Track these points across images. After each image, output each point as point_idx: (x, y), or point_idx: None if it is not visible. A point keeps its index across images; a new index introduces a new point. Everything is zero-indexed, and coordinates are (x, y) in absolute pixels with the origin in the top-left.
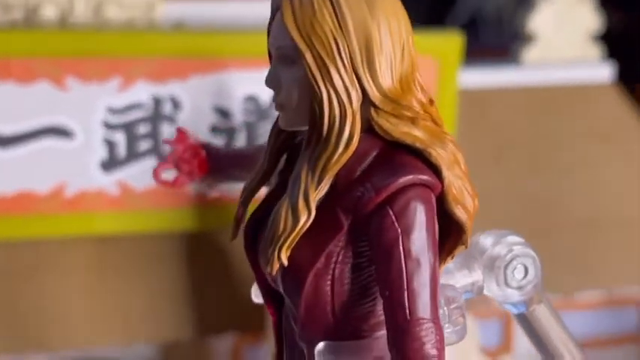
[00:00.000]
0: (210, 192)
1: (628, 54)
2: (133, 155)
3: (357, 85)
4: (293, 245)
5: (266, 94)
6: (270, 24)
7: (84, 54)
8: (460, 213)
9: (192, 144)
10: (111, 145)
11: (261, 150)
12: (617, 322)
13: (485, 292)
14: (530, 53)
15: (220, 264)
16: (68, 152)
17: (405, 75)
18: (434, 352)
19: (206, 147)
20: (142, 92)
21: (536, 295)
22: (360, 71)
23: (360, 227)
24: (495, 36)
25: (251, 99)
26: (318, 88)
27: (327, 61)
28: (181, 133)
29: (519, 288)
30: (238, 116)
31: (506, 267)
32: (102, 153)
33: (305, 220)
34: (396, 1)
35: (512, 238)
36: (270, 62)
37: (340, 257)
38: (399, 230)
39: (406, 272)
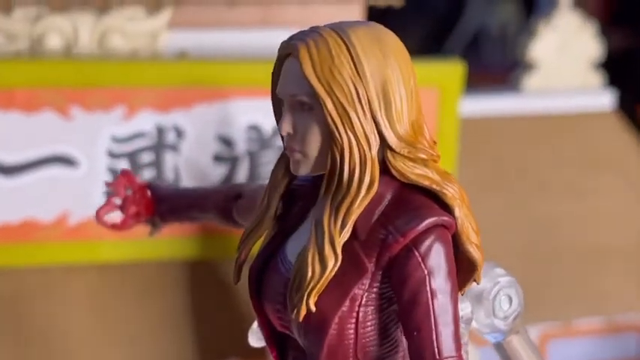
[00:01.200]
0: (155, 232)
1: (629, 78)
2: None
3: (375, 130)
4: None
5: (268, 124)
6: (277, 70)
7: (88, 84)
8: (474, 251)
9: (138, 185)
10: (115, 173)
11: (216, 190)
12: (617, 348)
13: (472, 323)
14: (532, 81)
15: (222, 292)
16: (72, 181)
17: (416, 117)
18: None
19: (152, 187)
20: (146, 121)
21: (515, 325)
22: (378, 116)
23: (384, 269)
24: (499, 54)
25: (254, 128)
26: (339, 134)
27: (348, 108)
28: (125, 175)
29: (505, 318)
30: (241, 145)
31: (494, 299)
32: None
33: (332, 265)
34: (401, 43)
35: (498, 271)
36: (274, 103)
37: (364, 300)
38: (426, 271)
39: (434, 312)
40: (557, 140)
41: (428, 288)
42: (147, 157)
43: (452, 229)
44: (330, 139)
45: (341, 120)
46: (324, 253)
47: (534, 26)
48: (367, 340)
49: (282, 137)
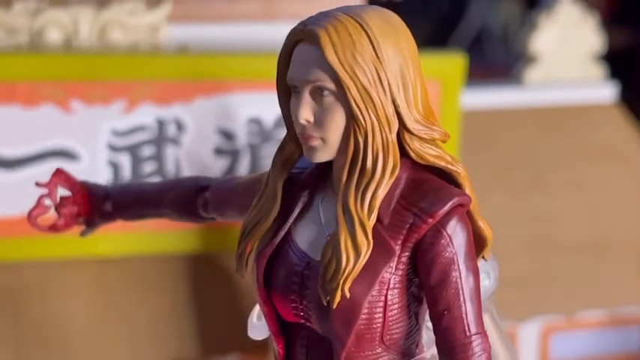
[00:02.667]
0: (88, 233)
1: (631, 76)
2: (137, 177)
3: (395, 112)
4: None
5: (269, 116)
6: (285, 57)
7: (88, 77)
8: (485, 227)
9: (75, 184)
10: (116, 167)
11: (172, 185)
12: (619, 341)
13: None
14: (533, 73)
15: (224, 285)
16: (73, 174)
17: (426, 98)
18: None
19: (88, 186)
20: (147, 115)
21: (488, 305)
22: (398, 99)
23: (411, 251)
24: (501, 52)
25: (254, 121)
26: (363, 118)
27: (371, 91)
28: (59, 175)
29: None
30: (242, 138)
31: None
32: (107, 175)
33: (366, 250)
34: (406, 26)
35: None
36: (281, 91)
37: (391, 283)
38: (454, 251)
39: (463, 291)
40: (559, 132)
41: (457, 267)
42: (148, 151)
43: (467, 208)
44: (352, 124)
45: (364, 104)
46: (356, 239)
47: (536, 19)
48: (393, 323)
49: (288, 125)
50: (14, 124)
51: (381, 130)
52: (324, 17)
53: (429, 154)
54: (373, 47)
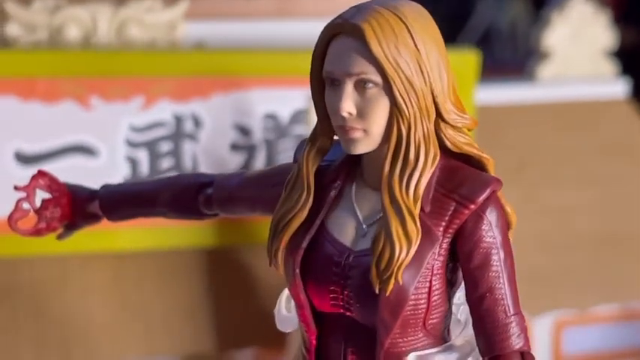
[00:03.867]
0: (66, 236)
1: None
2: (155, 173)
3: (433, 102)
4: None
5: (285, 112)
6: (321, 51)
7: (107, 74)
8: (511, 212)
9: (59, 186)
10: (134, 162)
11: (169, 184)
12: (632, 335)
13: None
14: (546, 70)
15: (240, 279)
16: (92, 170)
17: (454, 87)
18: (528, 341)
19: (71, 189)
20: (164, 111)
21: None
22: (436, 89)
23: (452, 237)
24: (509, 51)
25: (271, 117)
26: (407, 109)
27: (414, 82)
28: (41, 177)
29: None
30: (258, 134)
31: None
32: (125, 171)
33: (417, 238)
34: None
35: None
36: (315, 84)
37: (435, 269)
38: (495, 234)
39: (502, 272)
40: (571, 128)
41: (497, 250)
42: (165, 147)
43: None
44: (395, 115)
45: (408, 95)
46: (407, 227)
47: (548, 16)
48: (434, 308)
49: (320, 117)
50: (34, 120)
51: (422, 120)
52: (364, 10)
53: (461, 142)
54: (413, 39)
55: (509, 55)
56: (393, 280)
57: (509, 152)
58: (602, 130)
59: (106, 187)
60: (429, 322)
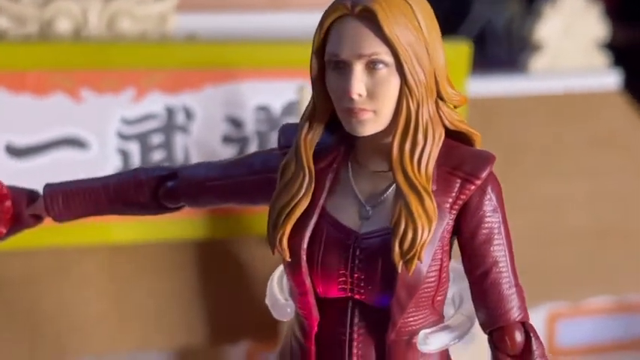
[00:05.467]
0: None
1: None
2: (146, 165)
3: (435, 81)
4: None
5: (277, 104)
6: (323, 33)
7: (98, 66)
8: None
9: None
10: (125, 155)
11: (122, 181)
12: (626, 327)
13: None
14: (538, 62)
15: (234, 272)
16: (83, 163)
17: (445, 66)
18: (527, 312)
19: (14, 194)
20: (156, 103)
21: None
22: (438, 68)
23: (457, 213)
24: (505, 50)
25: (263, 109)
26: (417, 88)
27: (422, 62)
28: None
29: None
30: (250, 126)
31: None
32: (116, 163)
33: (435, 215)
34: None
35: None
36: (315, 69)
37: (444, 245)
38: (499, 209)
39: (506, 246)
40: (563, 120)
41: (500, 223)
42: (157, 139)
43: None
44: (405, 95)
45: (417, 75)
46: (425, 205)
47: (540, 8)
48: (442, 284)
49: (318, 101)
50: (24, 113)
51: (428, 99)
52: None
53: (455, 119)
54: (417, 19)
55: (505, 54)
56: (416, 260)
57: (501, 144)
58: (595, 122)
59: (50, 186)
60: (437, 299)
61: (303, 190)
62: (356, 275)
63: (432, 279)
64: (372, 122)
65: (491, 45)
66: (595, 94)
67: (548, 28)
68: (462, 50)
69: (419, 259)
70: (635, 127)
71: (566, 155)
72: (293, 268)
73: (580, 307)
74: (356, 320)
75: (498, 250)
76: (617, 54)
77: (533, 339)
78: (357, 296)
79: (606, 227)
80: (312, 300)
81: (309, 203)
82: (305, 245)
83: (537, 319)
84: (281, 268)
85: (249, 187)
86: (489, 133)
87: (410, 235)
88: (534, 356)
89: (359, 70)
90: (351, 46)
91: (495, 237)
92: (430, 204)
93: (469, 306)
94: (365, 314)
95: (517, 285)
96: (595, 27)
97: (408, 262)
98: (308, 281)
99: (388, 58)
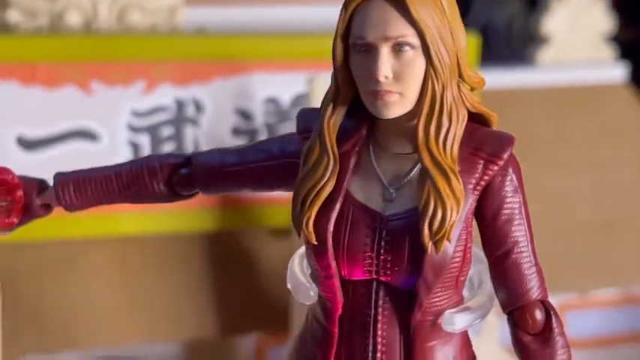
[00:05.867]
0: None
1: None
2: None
3: (457, 62)
4: None
5: (286, 96)
6: (347, 16)
7: (108, 58)
8: None
9: (9, 180)
10: (135, 147)
11: (133, 169)
12: (633, 319)
13: None
14: (545, 54)
15: (244, 264)
16: (94, 155)
17: (466, 48)
18: (546, 290)
19: (23, 181)
20: (166, 95)
21: None
22: (460, 49)
23: (479, 193)
24: (506, 48)
25: (272, 101)
26: (442, 70)
27: (446, 44)
28: None
29: None
30: (259, 118)
31: None
32: (127, 155)
33: (463, 196)
34: None
35: None
36: (337, 52)
37: (467, 226)
38: (519, 189)
39: (526, 224)
40: (570, 113)
41: (521, 203)
42: (167, 131)
43: None
44: (430, 77)
45: (442, 56)
46: (452, 186)
47: (546, 1)
48: (465, 264)
49: (340, 84)
50: (35, 106)
51: (451, 80)
52: None
53: (475, 101)
54: (441, 0)
55: (506, 52)
56: (445, 240)
57: None
58: (601, 115)
59: (61, 174)
60: (460, 279)
61: (328, 174)
62: (382, 257)
63: (457, 259)
64: (397, 104)
65: (492, 43)
66: (601, 86)
67: (555, 21)
68: (470, 42)
69: (448, 239)
70: None
71: (572, 148)
72: (319, 252)
73: (587, 300)
74: (380, 302)
75: (519, 230)
76: (624, 49)
77: (553, 317)
78: (382, 278)
79: (612, 220)
80: (337, 283)
81: (334, 186)
82: (331, 228)
83: None
84: (300, 252)
85: (267, 173)
86: (496, 126)
87: (439, 216)
88: (554, 334)
89: (385, 52)
90: (377, 28)
91: (516, 217)
92: (457, 184)
93: (489, 286)
94: (390, 295)
95: (537, 264)
96: (601, 20)
97: (437, 243)
98: (334, 264)
99: (414, 40)
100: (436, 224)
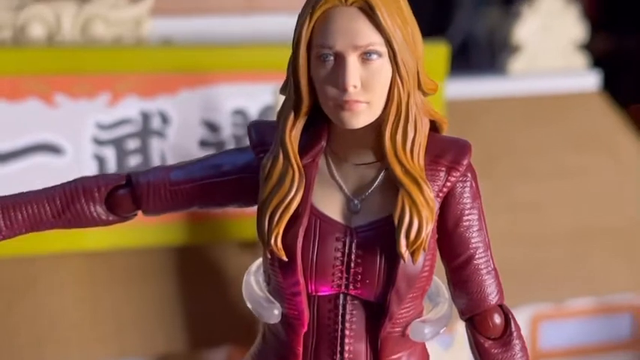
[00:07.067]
0: None
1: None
2: (123, 170)
3: (416, 70)
4: None
5: (253, 107)
6: (311, 26)
7: (72, 71)
8: None
9: None
10: (101, 160)
11: (68, 192)
12: (609, 329)
13: None
14: (517, 63)
15: (211, 277)
16: (59, 169)
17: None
18: (503, 294)
19: None
20: (131, 107)
21: None
22: (420, 58)
23: (441, 202)
24: (488, 56)
25: (239, 112)
26: (408, 77)
27: (412, 51)
28: None
29: None
30: (227, 130)
31: None
32: (92, 169)
33: (434, 204)
34: None
35: None
36: (299, 64)
37: (434, 234)
38: (477, 195)
39: (486, 232)
40: (542, 121)
41: (479, 210)
42: (132, 144)
43: None
44: (396, 85)
45: (408, 64)
46: (425, 195)
47: (518, 9)
48: (432, 273)
49: (302, 96)
50: None
51: (414, 88)
52: None
53: (431, 107)
54: (403, 8)
55: (489, 60)
56: (421, 250)
57: (480, 146)
58: (574, 123)
59: None
60: (426, 288)
61: (295, 188)
62: (353, 270)
63: (427, 268)
64: (365, 114)
65: (474, 52)
66: (574, 94)
67: (527, 29)
68: (439, 52)
69: (424, 249)
70: (614, 127)
71: (546, 156)
72: (287, 268)
73: (563, 309)
74: (348, 316)
75: (479, 236)
76: (596, 57)
77: (511, 320)
78: (352, 291)
79: (586, 229)
80: (304, 299)
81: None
82: (300, 244)
83: (521, 322)
84: (253, 269)
85: (219, 190)
86: (469, 135)
87: (416, 225)
88: (513, 337)
89: (353, 61)
90: (345, 37)
91: (477, 223)
92: (429, 193)
93: (447, 294)
94: (357, 309)
95: (495, 269)
96: (573, 28)
97: (414, 253)
98: (302, 280)
99: (382, 48)
100: (413, 234)
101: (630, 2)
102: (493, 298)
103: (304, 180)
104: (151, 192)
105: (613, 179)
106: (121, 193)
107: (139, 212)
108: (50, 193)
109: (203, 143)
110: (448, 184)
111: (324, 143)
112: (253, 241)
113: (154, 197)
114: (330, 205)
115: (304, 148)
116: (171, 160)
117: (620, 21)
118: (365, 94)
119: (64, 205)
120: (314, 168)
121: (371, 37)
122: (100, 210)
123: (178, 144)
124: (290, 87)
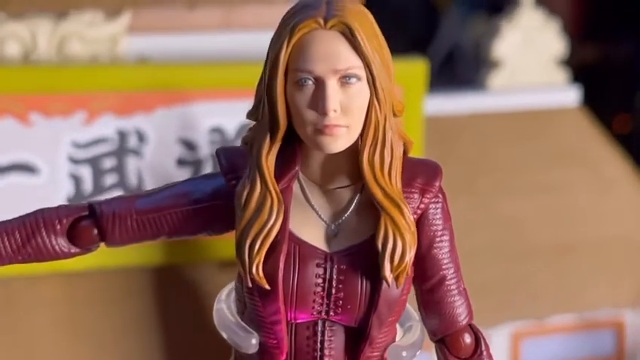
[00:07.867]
0: None
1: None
2: (99, 190)
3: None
4: None
5: (231, 126)
6: (288, 50)
7: (47, 90)
8: None
9: None
10: (77, 179)
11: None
12: (590, 345)
13: None
14: (497, 79)
15: (188, 298)
16: (34, 188)
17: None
18: (472, 312)
19: None
20: (107, 126)
21: None
22: (393, 80)
23: (416, 223)
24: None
25: (216, 130)
26: (385, 101)
27: (388, 74)
28: None
29: None
30: (204, 148)
31: None
32: (68, 188)
33: (414, 227)
34: None
35: None
36: (275, 88)
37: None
38: (449, 217)
39: (456, 252)
40: (523, 137)
41: (450, 231)
42: (109, 163)
43: None
44: (373, 109)
45: (385, 88)
46: (406, 218)
47: (498, 24)
48: (409, 293)
49: (279, 121)
50: None
51: (390, 111)
52: (336, 5)
53: (401, 129)
54: (378, 31)
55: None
56: (405, 274)
57: (460, 162)
58: (555, 139)
59: None
60: (401, 312)
61: (274, 215)
62: (334, 296)
63: (406, 291)
64: (344, 138)
65: (460, 66)
66: (554, 110)
67: (507, 45)
68: (419, 68)
69: (407, 272)
70: (595, 143)
71: (527, 172)
72: (268, 297)
73: (544, 326)
74: (327, 343)
75: (450, 257)
76: (579, 71)
77: (481, 339)
78: (332, 317)
79: (567, 245)
80: (284, 328)
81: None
82: (281, 272)
83: (502, 339)
84: (222, 297)
85: (190, 218)
86: (449, 152)
87: (400, 249)
88: (484, 356)
89: (334, 85)
90: (325, 61)
91: (448, 245)
92: (409, 215)
93: (417, 316)
94: (336, 334)
95: (464, 288)
96: (554, 43)
97: (398, 277)
98: (283, 308)
99: (361, 72)
100: (397, 258)
101: (617, 12)
102: (464, 319)
103: (283, 206)
104: (117, 222)
105: (594, 195)
106: (84, 224)
107: (101, 245)
108: (9, 227)
109: (180, 162)
110: (422, 205)
111: (297, 168)
112: (232, 261)
113: (120, 228)
114: (308, 230)
115: (278, 173)
116: (148, 179)
117: (607, 31)
118: (344, 118)
119: (24, 238)
120: (289, 193)
121: (351, 61)
122: (62, 242)
123: (155, 162)
124: (264, 111)
